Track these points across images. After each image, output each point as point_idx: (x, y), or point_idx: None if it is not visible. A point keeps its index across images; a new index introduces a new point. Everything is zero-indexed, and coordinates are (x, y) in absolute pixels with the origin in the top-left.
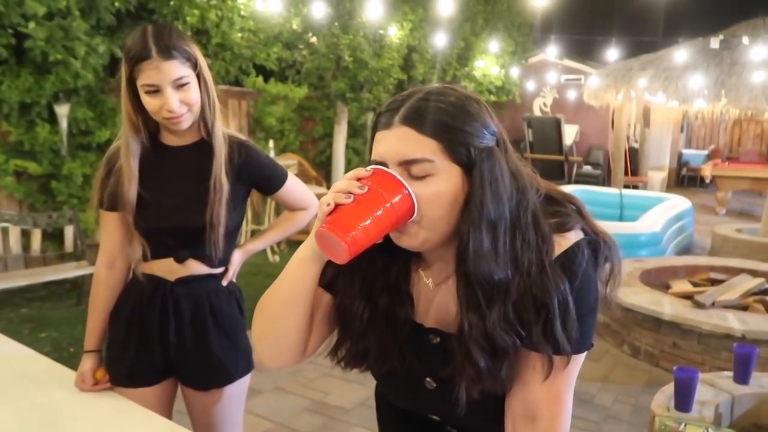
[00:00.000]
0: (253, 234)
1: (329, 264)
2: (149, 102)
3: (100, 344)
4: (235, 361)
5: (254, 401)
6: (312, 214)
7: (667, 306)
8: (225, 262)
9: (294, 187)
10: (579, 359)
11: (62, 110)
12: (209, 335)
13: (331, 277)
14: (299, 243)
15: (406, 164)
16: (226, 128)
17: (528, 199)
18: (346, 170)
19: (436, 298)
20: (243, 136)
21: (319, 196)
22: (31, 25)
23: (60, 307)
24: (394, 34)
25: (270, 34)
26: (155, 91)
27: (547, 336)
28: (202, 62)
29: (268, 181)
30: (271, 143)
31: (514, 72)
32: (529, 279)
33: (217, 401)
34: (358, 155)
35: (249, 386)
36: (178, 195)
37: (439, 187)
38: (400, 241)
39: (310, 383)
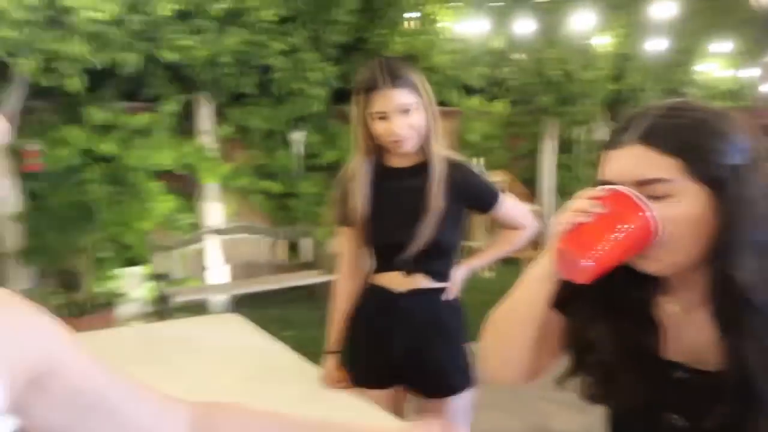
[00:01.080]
0: (466, 250)
1: (562, 284)
2: (377, 127)
3: (339, 346)
4: (456, 373)
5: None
6: (530, 234)
7: None
8: (447, 276)
9: (511, 206)
10: None
11: (296, 136)
12: (433, 346)
13: (563, 297)
14: (513, 260)
15: (642, 184)
16: (443, 149)
17: None
18: (559, 187)
19: (683, 329)
20: (458, 157)
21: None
22: (273, 59)
23: (299, 311)
24: (604, 42)
25: (474, 55)
26: (383, 117)
27: None
28: (427, 88)
29: (485, 199)
30: (479, 161)
31: (748, 74)
32: None
33: (442, 411)
34: (569, 171)
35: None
36: (401, 212)
37: (681, 208)
38: (642, 266)
39: (530, 404)
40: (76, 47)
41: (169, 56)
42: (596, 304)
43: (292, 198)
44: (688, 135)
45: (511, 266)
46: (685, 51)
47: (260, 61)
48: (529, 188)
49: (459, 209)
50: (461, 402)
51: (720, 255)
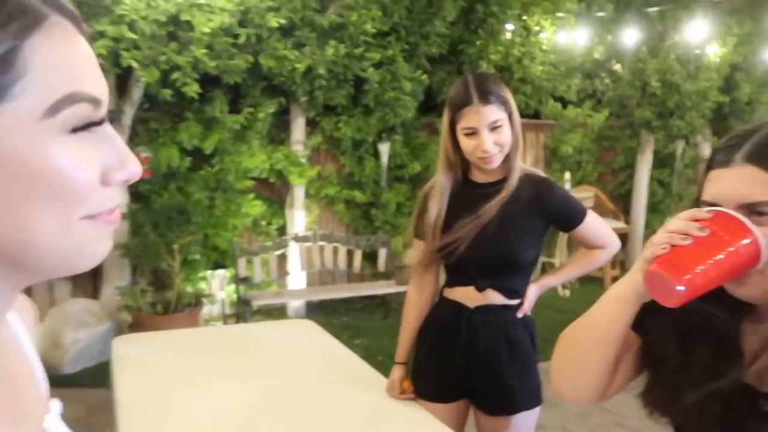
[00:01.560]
0: (544, 266)
1: (642, 306)
2: (467, 143)
3: (407, 357)
4: (523, 392)
5: None
6: (611, 254)
7: None
8: (521, 293)
9: (593, 225)
10: None
11: (383, 147)
12: (502, 363)
13: (642, 318)
14: (590, 279)
15: (749, 207)
16: (525, 165)
17: None
18: (649, 204)
19: None
20: (542, 173)
21: (617, 231)
22: (369, 70)
23: (371, 319)
24: (714, 52)
25: (571, 66)
26: (472, 133)
27: None
28: (514, 105)
29: (566, 217)
30: (567, 175)
31: None
32: None
33: (505, 428)
34: (663, 187)
35: (537, 421)
36: (477, 227)
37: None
38: (737, 291)
39: (598, 428)
40: (197, 53)
41: (269, 65)
42: (671, 321)
43: (375, 208)
44: None
45: (589, 285)
46: None
47: (355, 73)
48: (620, 205)
49: (537, 226)
50: (525, 421)
51: None
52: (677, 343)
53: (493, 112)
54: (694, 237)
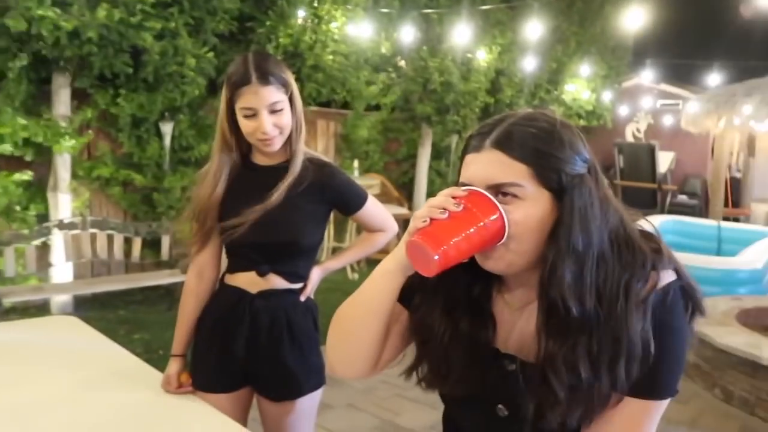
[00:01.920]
0: (335, 251)
1: (409, 279)
2: (245, 124)
3: (185, 349)
4: (306, 376)
5: (326, 416)
6: (390, 237)
7: (766, 350)
8: (304, 277)
9: (374, 210)
10: (662, 405)
11: (167, 127)
12: (283, 348)
13: (410, 292)
14: (378, 262)
15: (495, 187)
16: (309, 150)
17: (617, 228)
18: (428, 192)
19: (515, 324)
20: (325, 158)
21: (400, 217)
22: (149, 40)
23: (153, 312)
24: (482, 57)
25: (360, 58)
26: (252, 114)
27: (630, 377)
28: (295, 88)
29: (348, 202)
30: (356, 163)
31: (607, 96)
32: (614, 314)
33: (289, 413)
34: (440, 177)
35: (322, 400)
36: (260, 212)
37: (528, 211)
38: (485, 264)
39: (382, 402)
40: None
41: (19, 27)
42: (438, 298)
43: (158, 192)
44: (538, 143)
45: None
46: (555, 71)
47: (133, 43)
48: (403, 192)
49: (319, 210)
50: (308, 403)
51: (548, 257)
52: (443, 317)
53: (273, 94)
54: (451, 211)
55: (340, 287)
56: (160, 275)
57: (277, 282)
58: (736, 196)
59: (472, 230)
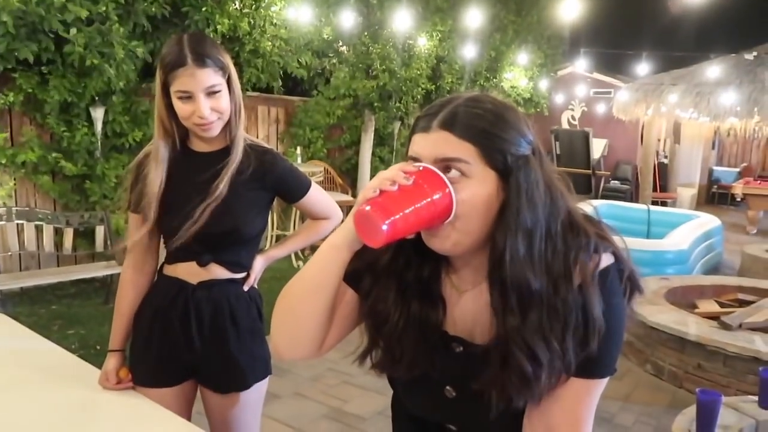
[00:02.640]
0: (278, 239)
1: (357, 262)
2: (181, 108)
3: (124, 344)
4: (252, 366)
5: (273, 406)
6: (335, 224)
7: (692, 326)
8: (247, 267)
9: (317, 197)
10: (604, 383)
11: (98, 113)
12: (228, 339)
13: (357, 275)
14: None
15: (442, 162)
16: (249, 136)
17: (561, 209)
18: (372, 178)
19: (460, 306)
20: (266, 144)
21: (344, 204)
22: (72, 30)
23: (88, 305)
24: (423, 44)
25: (301, 43)
26: (188, 97)
27: (576, 356)
28: (233, 71)
29: (291, 189)
30: (298, 150)
31: (543, 84)
32: (560, 293)
33: (235, 404)
34: (384, 163)
35: (268, 390)
36: (198, 200)
37: (475, 190)
38: (432, 243)
39: (329, 390)
40: None
41: None
42: (390, 280)
43: (90, 181)
44: (484, 123)
45: None
46: (494, 59)
47: (53, 28)
48: (347, 179)
49: (262, 197)
50: (254, 395)
51: (496, 237)
52: (396, 301)
53: (210, 77)
54: (401, 184)
55: (285, 275)
56: (95, 267)
57: (218, 272)
58: (663, 181)
59: (420, 204)
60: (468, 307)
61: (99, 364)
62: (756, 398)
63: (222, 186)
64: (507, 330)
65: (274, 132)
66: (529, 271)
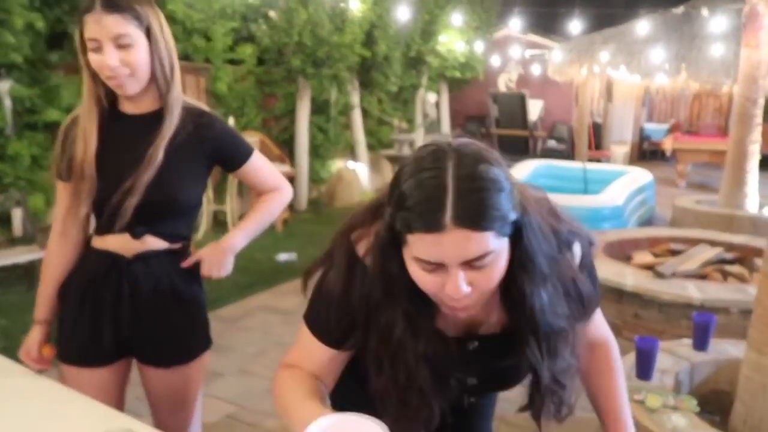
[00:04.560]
0: (216, 215)
1: (341, 325)
2: (93, 59)
3: (49, 315)
4: (193, 339)
5: (216, 384)
6: (287, 196)
7: (629, 277)
8: (186, 237)
9: (260, 165)
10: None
11: (2, 86)
12: (167, 312)
13: (342, 335)
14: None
15: (470, 262)
16: (188, 99)
17: (553, 228)
18: (311, 148)
19: (469, 314)
20: (203, 106)
21: (284, 175)
22: None
23: (10, 293)
24: (356, 7)
25: (225, 5)
26: (97, 47)
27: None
28: (157, 26)
29: (231, 155)
30: (231, 120)
31: (479, 48)
32: (566, 283)
33: (177, 379)
34: (322, 132)
35: (210, 369)
36: (130, 167)
37: (499, 265)
38: (455, 313)
39: (274, 365)
40: None
41: None
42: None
43: (2, 161)
44: (491, 203)
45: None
46: (429, 22)
47: None
48: (285, 150)
49: (199, 164)
50: (196, 367)
51: (522, 289)
52: (405, 328)
53: (120, 25)
54: None
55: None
56: (14, 253)
57: (154, 243)
58: (598, 139)
59: None
60: (480, 313)
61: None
62: (690, 341)
63: (157, 154)
64: (527, 317)
65: (204, 101)
66: (549, 309)
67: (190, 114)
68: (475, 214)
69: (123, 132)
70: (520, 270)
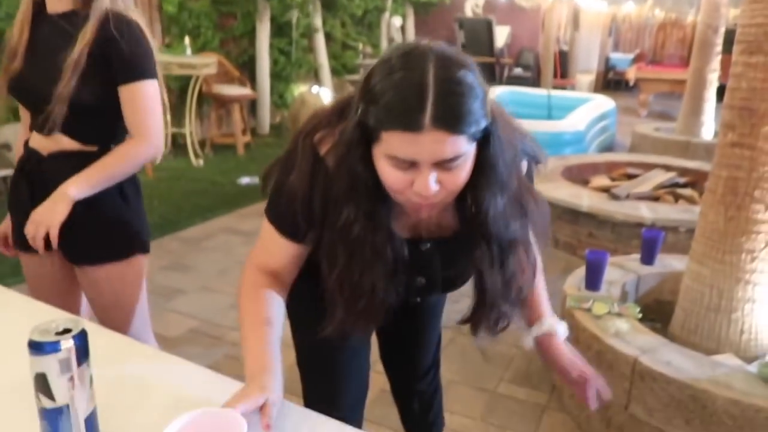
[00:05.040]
0: (175, 137)
1: (297, 218)
2: None
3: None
4: (109, 240)
5: (179, 300)
6: (144, 150)
7: (585, 199)
8: (101, 139)
9: (140, 98)
10: None
11: None
12: (75, 212)
13: (298, 227)
14: (224, 147)
15: (443, 163)
16: (120, 3)
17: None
18: (272, 71)
19: (425, 219)
20: (134, 15)
21: (244, 98)
22: None
23: None
24: None
25: None
26: None
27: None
28: None
29: (122, 66)
30: (186, 40)
31: None
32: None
33: (109, 277)
34: (284, 55)
35: (172, 286)
36: (45, 66)
37: (467, 168)
38: (417, 212)
39: (236, 283)
40: None
41: None
42: (353, 203)
43: None
44: (467, 107)
45: (222, 153)
46: None
47: None
48: (245, 72)
49: (103, 67)
50: (130, 268)
51: (478, 196)
52: (365, 226)
53: None
54: None
55: (183, 175)
56: None
57: (65, 143)
58: (563, 68)
59: None
60: (435, 218)
61: None
62: (638, 256)
63: (68, 55)
64: (480, 223)
65: (156, 19)
66: (505, 220)
67: (114, 18)
68: (454, 117)
69: (44, 31)
70: (481, 176)
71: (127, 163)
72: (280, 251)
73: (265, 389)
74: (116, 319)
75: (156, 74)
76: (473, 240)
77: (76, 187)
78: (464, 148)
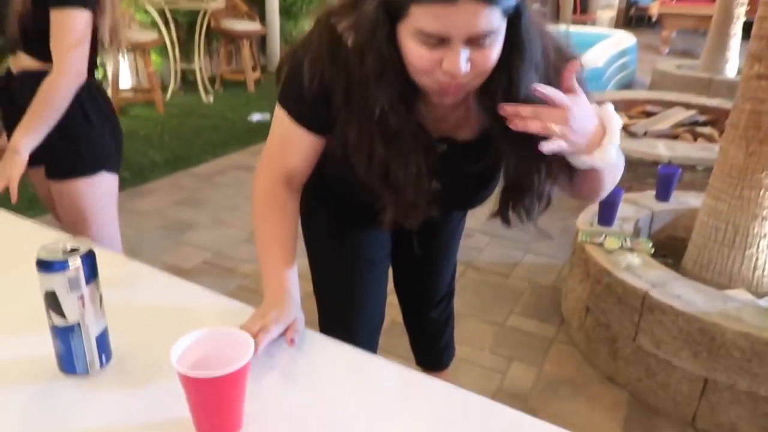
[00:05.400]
0: (185, 74)
1: (318, 109)
2: None
3: None
4: (75, 156)
5: (192, 234)
6: (66, 81)
7: None
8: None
9: (60, 23)
10: None
11: None
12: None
13: (323, 120)
14: (235, 83)
15: (475, 39)
16: None
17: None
18: (282, 6)
19: (447, 115)
20: None
21: (253, 34)
22: None
23: None
24: None
25: None
26: None
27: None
28: None
29: None
30: None
31: None
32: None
33: (78, 192)
34: None
35: (182, 219)
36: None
37: (498, 46)
38: (442, 98)
39: (249, 217)
40: None
41: None
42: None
43: None
44: None
45: (232, 89)
46: None
47: None
48: (255, 8)
49: None
50: (99, 187)
51: (512, 72)
52: (381, 117)
53: None
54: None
55: (194, 110)
56: None
57: (27, 63)
58: (583, 3)
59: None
60: (455, 116)
61: None
62: (654, 193)
63: None
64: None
65: None
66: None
67: None
68: None
69: None
70: (515, 54)
71: (53, 100)
72: (293, 144)
73: (292, 307)
74: (76, 231)
75: (89, 4)
76: (499, 137)
77: (22, 141)
78: (497, 23)
